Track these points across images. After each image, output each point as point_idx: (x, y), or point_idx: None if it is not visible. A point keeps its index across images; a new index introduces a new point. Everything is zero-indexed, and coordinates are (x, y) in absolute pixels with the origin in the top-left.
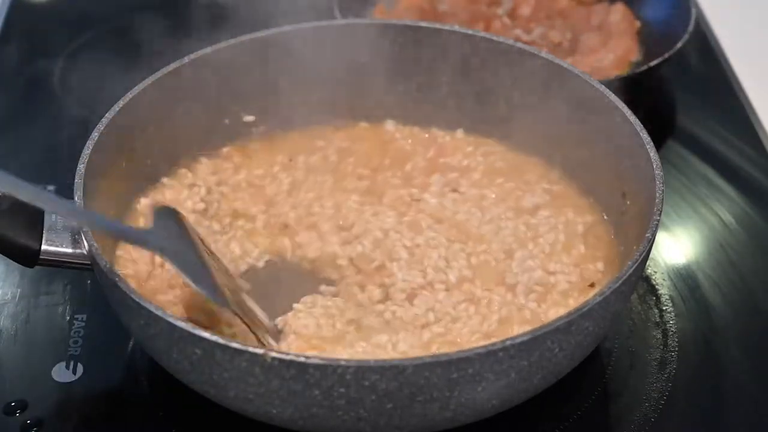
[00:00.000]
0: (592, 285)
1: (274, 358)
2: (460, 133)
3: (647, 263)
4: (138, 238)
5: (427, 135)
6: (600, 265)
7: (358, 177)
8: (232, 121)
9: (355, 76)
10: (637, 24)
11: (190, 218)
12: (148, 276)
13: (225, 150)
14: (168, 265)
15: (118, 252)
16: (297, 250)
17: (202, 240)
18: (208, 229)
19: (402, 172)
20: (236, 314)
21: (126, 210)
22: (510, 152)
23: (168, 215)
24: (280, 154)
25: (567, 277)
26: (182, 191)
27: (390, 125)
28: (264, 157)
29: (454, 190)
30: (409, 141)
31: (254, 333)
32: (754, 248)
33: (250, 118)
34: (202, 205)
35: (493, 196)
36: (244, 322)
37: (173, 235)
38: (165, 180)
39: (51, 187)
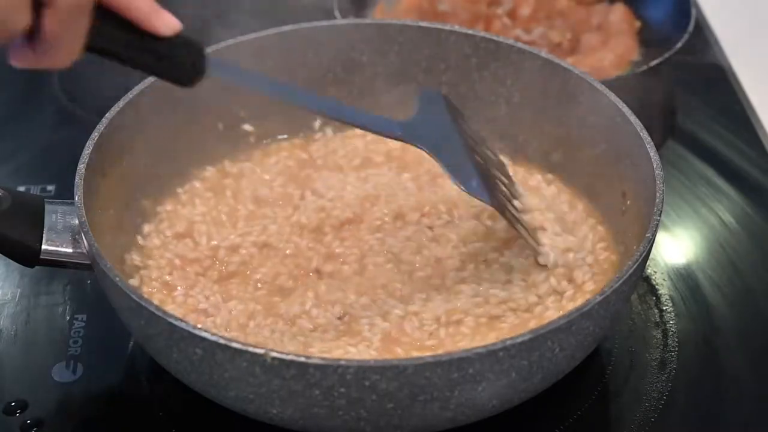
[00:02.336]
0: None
1: (274, 358)
2: None
3: (647, 263)
4: (389, 129)
5: None
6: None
7: None
8: (231, 121)
9: (355, 77)
10: (637, 24)
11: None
12: None
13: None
14: None
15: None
16: None
17: (467, 130)
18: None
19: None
20: (506, 218)
21: (126, 210)
22: (508, 151)
23: (435, 100)
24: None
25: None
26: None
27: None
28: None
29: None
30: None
31: (528, 239)
32: (754, 248)
33: (249, 124)
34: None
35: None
36: (515, 227)
37: (437, 125)
38: (165, 180)
39: (51, 187)
